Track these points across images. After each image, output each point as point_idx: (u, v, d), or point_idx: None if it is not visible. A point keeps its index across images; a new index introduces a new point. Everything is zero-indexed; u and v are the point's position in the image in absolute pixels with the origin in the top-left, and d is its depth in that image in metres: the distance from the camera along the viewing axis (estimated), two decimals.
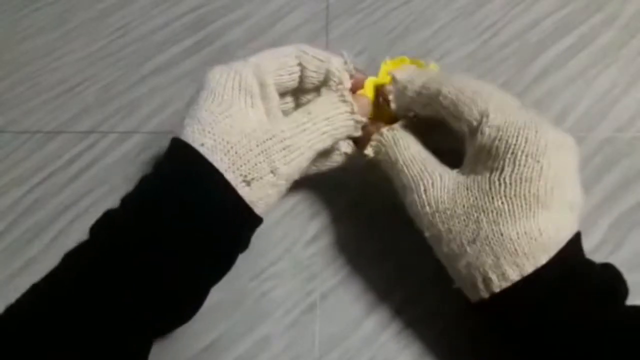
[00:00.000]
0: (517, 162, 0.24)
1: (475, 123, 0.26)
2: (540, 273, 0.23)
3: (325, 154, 0.32)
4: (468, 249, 0.25)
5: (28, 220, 0.37)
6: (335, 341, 0.31)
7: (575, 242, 0.25)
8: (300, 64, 0.30)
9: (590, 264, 0.25)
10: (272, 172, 0.27)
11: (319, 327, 0.31)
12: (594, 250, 0.33)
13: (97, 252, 0.26)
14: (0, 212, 0.37)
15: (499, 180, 0.25)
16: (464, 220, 0.25)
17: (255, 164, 0.27)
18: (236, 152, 0.26)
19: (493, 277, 0.24)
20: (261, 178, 0.27)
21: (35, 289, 0.25)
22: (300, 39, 0.44)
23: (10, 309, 0.25)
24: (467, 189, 0.26)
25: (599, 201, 0.34)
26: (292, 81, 0.31)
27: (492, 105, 0.26)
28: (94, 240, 0.26)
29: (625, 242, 0.33)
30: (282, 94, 0.32)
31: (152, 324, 0.26)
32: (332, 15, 0.46)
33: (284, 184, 0.29)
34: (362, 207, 0.35)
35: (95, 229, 0.27)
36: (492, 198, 0.25)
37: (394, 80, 0.31)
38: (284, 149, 0.27)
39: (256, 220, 0.29)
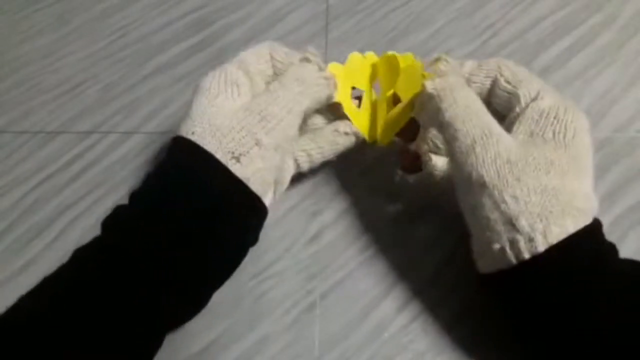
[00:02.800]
0: (577, 131, 0.27)
1: (534, 93, 0.29)
2: (592, 229, 0.25)
3: (323, 137, 0.33)
4: (534, 198, 0.25)
5: (29, 220, 0.37)
6: (335, 341, 0.31)
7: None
8: (270, 54, 0.33)
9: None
10: (256, 144, 0.28)
11: (318, 327, 0.31)
12: None
13: (106, 249, 0.26)
14: (1, 212, 0.37)
15: (564, 140, 0.27)
16: (534, 171, 0.26)
17: (240, 140, 0.28)
18: (221, 133, 0.28)
19: (554, 227, 0.24)
20: (248, 152, 0.28)
21: (46, 282, 0.25)
22: (300, 39, 0.45)
23: (22, 302, 0.25)
24: (535, 145, 0.27)
25: (598, 200, 0.34)
26: (269, 69, 0.33)
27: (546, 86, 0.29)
28: (104, 237, 0.27)
29: (625, 241, 0.33)
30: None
31: (164, 319, 0.27)
32: (332, 16, 0.46)
33: (273, 155, 0.29)
34: (362, 206, 0.36)
35: (106, 224, 0.27)
36: (560, 156, 0.26)
37: (445, 61, 0.31)
38: (261, 119, 0.28)
39: (256, 201, 0.29)
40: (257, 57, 0.32)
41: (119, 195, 0.37)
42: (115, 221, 0.27)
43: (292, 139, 0.30)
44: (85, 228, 0.36)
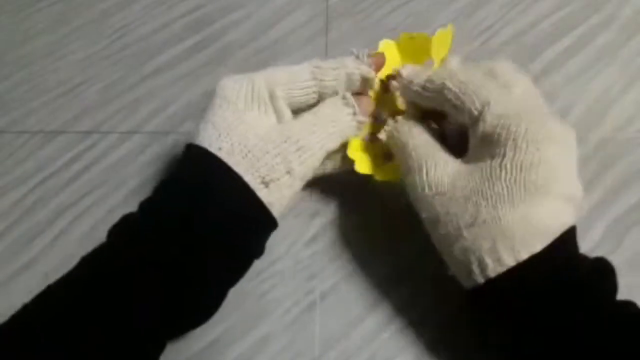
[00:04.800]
0: (517, 149, 0.25)
1: (476, 113, 0.27)
2: (534, 260, 0.24)
3: (335, 155, 0.33)
4: (465, 232, 0.25)
5: (29, 220, 0.37)
6: (335, 340, 0.31)
7: (570, 234, 0.25)
8: (315, 79, 0.31)
9: (582, 257, 0.25)
10: (288, 172, 0.28)
11: (318, 327, 0.31)
12: (593, 250, 0.33)
13: (117, 257, 0.26)
14: (1, 212, 0.37)
15: (500, 166, 0.25)
16: (463, 204, 0.25)
17: (273, 166, 0.27)
18: (254, 155, 0.27)
19: (489, 261, 0.24)
20: (278, 179, 0.28)
21: (51, 290, 0.25)
22: (300, 39, 0.45)
23: (26, 310, 0.24)
24: (469, 175, 0.26)
25: (597, 201, 0.34)
26: (305, 96, 0.31)
27: (494, 96, 0.27)
28: (113, 245, 0.26)
29: (624, 241, 0.33)
30: (298, 110, 0.32)
31: (168, 329, 0.26)
32: (332, 16, 0.46)
33: (299, 184, 0.29)
34: (362, 207, 0.36)
35: (114, 233, 0.27)
36: (493, 184, 0.25)
37: (399, 75, 0.32)
38: (298, 149, 0.28)
39: (273, 224, 0.29)
40: (291, 80, 0.30)
41: (120, 196, 0.37)
42: (126, 230, 0.27)
43: (314, 170, 0.31)
44: (85, 228, 0.36)
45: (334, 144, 0.31)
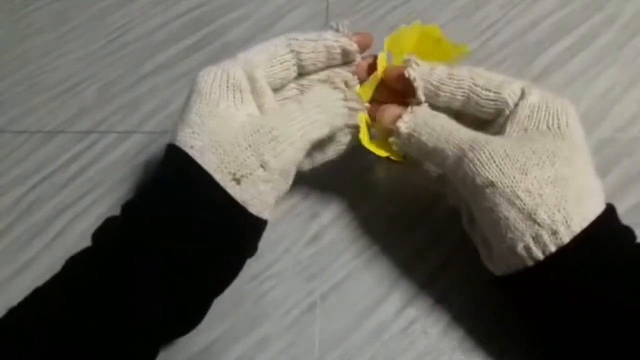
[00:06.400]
0: (569, 119, 0.27)
1: (519, 92, 0.28)
2: (609, 213, 0.25)
3: (322, 145, 0.31)
4: (546, 189, 0.24)
5: (28, 220, 0.37)
6: (335, 341, 0.31)
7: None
8: (293, 51, 0.30)
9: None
10: (261, 166, 0.26)
11: (318, 327, 0.31)
12: None
13: (100, 261, 0.25)
14: (1, 212, 0.37)
15: (559, 130, 0.26)
16: (538, 163, 0.25)
17: (244, 160, 0.26)
18: (224, 150, 0.26)
19: (574, 216, 0.24)
20: (251, 174, 0.26)
21: (38, 293, 0.25)
22: None
23: (12, 313, 0.24)
24: (532, 140, 0.26)
25: None
26: (285, 70, 0.30)
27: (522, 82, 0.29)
28: (96, 248, 0.26)
29: None
30: (281, 87, 0.31)
31: (158, 333, 0.26)
32: (332, 15, 0.46)
33: (278, 178, 0.28)
34: (361, 207, 0.35)
35: (97, 236, 0.27)
36: (559, 146, 0.26)
37: (414, 64, 0.30)
38: (272, 140, 0.26)
39: (255, 221, 0.28)
40: (270, 58, 0.29)
41: (118, 195, 0.37)
42: (108, 234, 0.27)
43: (298, 162, 0.29)
44: (84, 228, 0.36)
45: (320, 133, 0.28)
